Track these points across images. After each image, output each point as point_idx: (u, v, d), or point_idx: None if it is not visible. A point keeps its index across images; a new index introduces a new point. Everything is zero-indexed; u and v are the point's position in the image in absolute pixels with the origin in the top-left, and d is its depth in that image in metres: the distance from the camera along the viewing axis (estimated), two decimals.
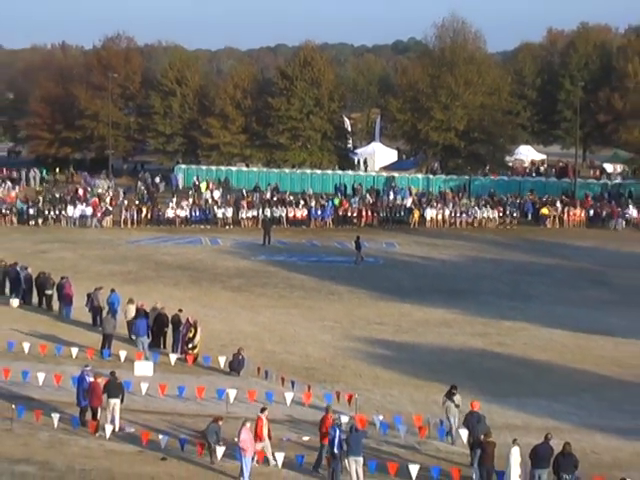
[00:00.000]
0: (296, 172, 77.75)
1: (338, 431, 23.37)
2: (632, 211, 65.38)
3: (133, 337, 34.71)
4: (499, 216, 65.25)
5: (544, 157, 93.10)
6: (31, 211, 64.06)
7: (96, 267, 49.51)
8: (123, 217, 63.90)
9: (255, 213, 64.46)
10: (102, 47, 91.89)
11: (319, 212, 64.89)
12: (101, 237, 59.13)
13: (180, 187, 76.88)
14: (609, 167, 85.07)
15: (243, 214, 64.24)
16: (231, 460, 23.88)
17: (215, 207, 65.53)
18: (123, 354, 32.76)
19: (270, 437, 24.52)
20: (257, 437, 24.04)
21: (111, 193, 72.14)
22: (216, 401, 28.64)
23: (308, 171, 77.59)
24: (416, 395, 30.34)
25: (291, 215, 64.64)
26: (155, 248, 55.94)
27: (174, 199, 67.04)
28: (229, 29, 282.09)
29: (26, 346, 33.33)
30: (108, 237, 59.06)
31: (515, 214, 65.64)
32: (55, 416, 26.21)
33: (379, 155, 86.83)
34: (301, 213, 64.99)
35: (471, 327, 39.08)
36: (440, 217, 64.87)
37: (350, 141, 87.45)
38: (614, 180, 76.15)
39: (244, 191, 71.23)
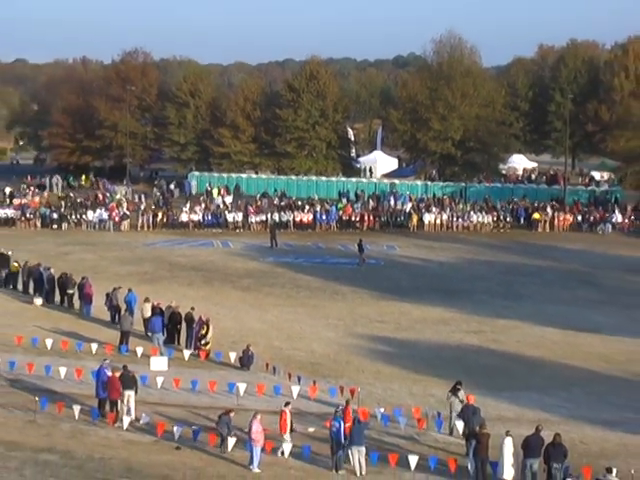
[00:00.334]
0: (302, 179, 77.71)
1: (341, 422, 23.38)
2: (618, 216, 65.33)
3: (149, 334, 34.73)
4: (493, 220, 65.20)
5: (535, 165, 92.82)
6: (54, 215, 64.18)
7: (114, 268, 49.55)
8: (140, 221, 64.02)
9: (264, 217, 64.54)
10: (120, 61, 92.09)
11: (324, 216, 64.87)
12: (119, 240, 59.19)
13: (193, 193, 76.88)
14: (597, 175, 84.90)
15: (252, 219, 64.31)
16: (241, 450, 23.86)
17: (226, 212, 65.64)
18: (140, 350, 32.76)
19: (293, 429, 24.40)
20: (281, 429, 24.05)
21: (129, 198, 72.26)
22: (227, 394, 28.61)
23: (314, 178, 77.56)
24: (415, 389, 30.33)
25: (298, 219, 64.63)
26: (170, 250, 55.96)
27: (188, 204, 67.22)
28: (240, 45, 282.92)
29: (49, 342, 33.34)
30: (126, 240, 59.12)
31: (508, 219, 65.59)
32: (76, 408, 26.20)
33: (380, 163, 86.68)
34: (307, 217, 64.96)
35: (467, 325, 39.04)
36: (438, 221, 64.80)
37: (353, 150, 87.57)
38: (601, 187, 75.96)
39: (257, 197, 71.32)
